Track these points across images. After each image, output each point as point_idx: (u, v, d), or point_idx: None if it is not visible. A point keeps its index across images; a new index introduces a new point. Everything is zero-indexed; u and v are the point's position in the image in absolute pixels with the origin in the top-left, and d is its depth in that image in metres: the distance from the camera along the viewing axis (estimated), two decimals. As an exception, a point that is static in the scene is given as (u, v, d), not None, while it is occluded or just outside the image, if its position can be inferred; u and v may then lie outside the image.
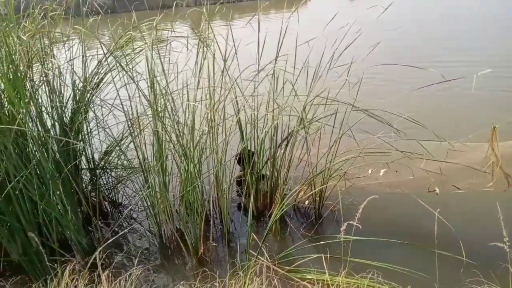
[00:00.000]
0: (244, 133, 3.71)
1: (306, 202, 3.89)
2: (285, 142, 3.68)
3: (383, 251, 3.05)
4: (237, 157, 3.82)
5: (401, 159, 3.19)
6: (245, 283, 2.58)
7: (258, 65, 3.59)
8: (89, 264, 2.97)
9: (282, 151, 3.67)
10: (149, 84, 3.34)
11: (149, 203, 3.60)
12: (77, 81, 3.78)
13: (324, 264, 2.72)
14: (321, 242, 3.04)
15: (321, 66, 3.58)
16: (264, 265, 2.74)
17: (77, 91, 3.78)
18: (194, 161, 3.36)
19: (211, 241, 3.52)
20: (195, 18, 3.99)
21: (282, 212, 3.61)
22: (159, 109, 3.36)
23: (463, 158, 3.16)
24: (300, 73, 3.60)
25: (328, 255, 2.72)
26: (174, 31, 3.71)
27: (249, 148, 3.76)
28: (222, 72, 3.43)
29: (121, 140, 3.97)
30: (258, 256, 3.12)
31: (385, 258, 2.77)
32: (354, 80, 3.54)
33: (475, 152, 3.17)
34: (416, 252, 2.90)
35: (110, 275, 2.84)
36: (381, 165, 3.52)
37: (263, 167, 3.85)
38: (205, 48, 3.47)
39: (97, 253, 2.83)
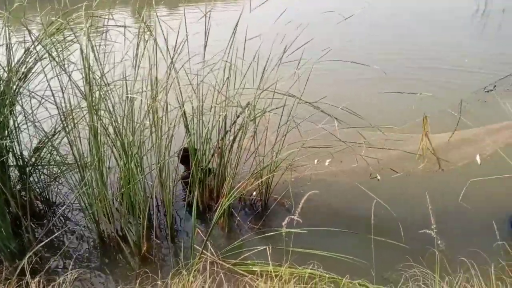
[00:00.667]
0: (189, 126, 3.59)
1: (254, 194, 3.90)
2: (232, 135, 3.62)
3: (325, 240, 3.13)
4: (179, 156, 3.68)
5: (345, 149, 3.28)
6: (188, 281, 2.51)
7: (204, 55, 3.49)
8: (18, 270, 2.73)
9: (229, 144, 3.61)
10: (83, 75, 3.11)
11: (86, 202, 3.39)
12: (1, 71, 3.43)
13: (269, 256, 2.74)
14: (267, 234, 3.05)
15: (272, 59, 3.56)
16: (208, 261, 2.68)
17: (1, 82, 3.43)
18: (135, 156, 3.20)
19: (154, 238, 3.38)
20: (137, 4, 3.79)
21: (229, 205, 3.59)
22: (95, 101, 3.14)
23: (399, 146, 3.32)
24: (250, 66, 3.57)
25: (270, 247, 2.74)
26: (113, 18, 3.50)
27: (192, 144, 3.65)
28: (171, 62, 3.28)
29: (54, 135, 3.67)
30: (204, 251, 3.07)
31: (327, 247, 2.84)
32: (306, 75, 3.58)
33: (410, 140, 3.35)
34: (356, 239, 3.00)
35: (41, 281, 2.63)
36: (326, 155, 3.60)
37: (209, 161, 3.78)
38: (146, 37, 3.31)
39: (26, 258, 2.61)
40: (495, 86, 3.13)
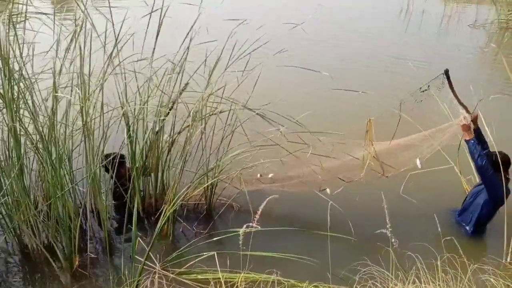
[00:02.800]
0: (129, 128, 3.28)
1: (199, 198, 3.70)
2: (171, 138, 3.39)
3: (280, 244, 3.04)
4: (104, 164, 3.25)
5: (291, 155, 3.22)
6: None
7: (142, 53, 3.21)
8: None
9: (170, 147, 3.39)
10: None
11: (4, 213, 2.95)
12: None
13: (217, 262, 2.59)
14: (215, 239, 2.88)
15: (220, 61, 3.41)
16: (152, 273, 2.45)
17: None
18: (63, 162, 2.85)
19: (88, 252, 3.04)
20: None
21: (173, 212, 3.36)
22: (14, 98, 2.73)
23: (346, 151, 3.34)
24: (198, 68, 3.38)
25: (217, 252, 2.59)
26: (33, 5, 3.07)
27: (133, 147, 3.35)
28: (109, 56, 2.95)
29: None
30: (147, 262, 2.82)
31: (282, 250, 2.77)
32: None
33: (356, 146, 3.39)
34: (311, 241, 2.97)
35: None
36: (269, 168, 3.51)
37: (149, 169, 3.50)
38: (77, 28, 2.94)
39: None
40: (429, 86, 3.26)
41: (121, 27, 3.07)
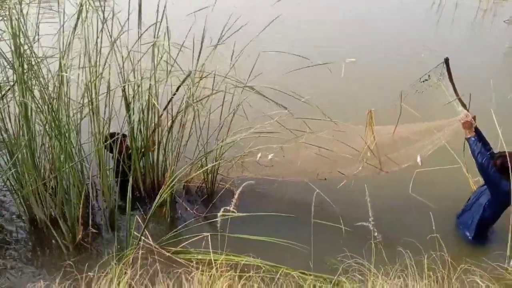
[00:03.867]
0: (131, 105, 3.35)
1: (200, 180, 3.76)
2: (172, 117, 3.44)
3: (267, 228, 3.06)
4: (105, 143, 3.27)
5: (291, 139, 3.21)
6: (116, 273, 2.34)
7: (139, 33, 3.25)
8: None
9: (169, 126, 3.43)
10: (12, 46, 2.80)
11: (15, 184, 3.10)
12: None
13: (210, 244, 2.64)
14: (208, 221, 2.93)
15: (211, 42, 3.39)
16: (141, 250, 2.53)
17: None
18: (70, 135, 2.96)
19: (90, 226, 3.16)
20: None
21: (172, 193, 3.44)
22: (26, 76, 2.85)
23: (347, 141, 3.28)
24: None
25: (207, 234, 2.63)
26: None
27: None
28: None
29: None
30: (145, 240, 2.92)
31: (269, 235, 2.80)
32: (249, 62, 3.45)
33: (357, 135, 3.32)
34: (297, 228, 2.96)
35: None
36: (270, 149, 3.50)
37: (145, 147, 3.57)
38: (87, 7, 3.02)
39: None
40: (429, 76, 3.14)
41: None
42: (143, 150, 3.49)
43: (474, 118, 3.16)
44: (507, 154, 3.00)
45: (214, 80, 3.25)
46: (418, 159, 3.13)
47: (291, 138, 3.24)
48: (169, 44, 3.21)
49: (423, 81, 3.11)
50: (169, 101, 3.37)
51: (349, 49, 7.74)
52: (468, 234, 3.34)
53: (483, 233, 3.32)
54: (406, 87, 3.19)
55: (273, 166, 3.44)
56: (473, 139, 3.12)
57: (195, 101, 3.22)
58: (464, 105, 3.16)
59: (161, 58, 3.22)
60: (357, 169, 3.07)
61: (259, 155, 3.32)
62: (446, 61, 3.07)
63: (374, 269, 2.27)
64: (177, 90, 3.32)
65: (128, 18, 3.16)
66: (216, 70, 3.16)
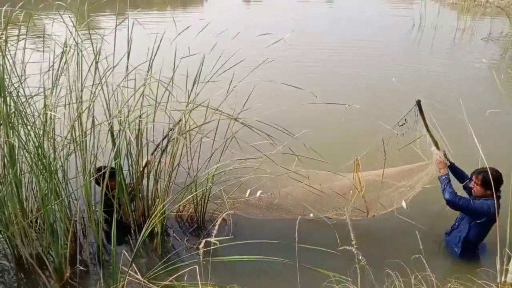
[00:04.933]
0: (116, 141, 3.37)
1: (190, 211, 3.76)
2: (162, 151, 3.47)
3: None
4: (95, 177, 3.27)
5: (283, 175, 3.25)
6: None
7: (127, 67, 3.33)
8: None
9: (159, 160, 3.46)
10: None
11: (0, 224, 3.07)
12: None
13: (198, 276, 2.61)
14: (196, 252, 2.90)
15: (201, 76, 3.48)
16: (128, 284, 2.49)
17: None
18: (56, 172, 2.97)
19: (78, 263, 3.12)
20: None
21: (163, 225, 3.43)
22: (11, 115, 2.88)
23: (336, 185, 3.45)
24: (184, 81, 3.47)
25: (192, 265, 2.61)
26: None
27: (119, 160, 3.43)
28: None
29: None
30: (134, 275, 2.88)
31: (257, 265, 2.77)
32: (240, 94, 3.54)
33: (345, 180, 3.46)
34: (283, 255, 2.96)
35: None
36: (260, 186, 3.54)
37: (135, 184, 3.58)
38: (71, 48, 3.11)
39: None
40: (406, 119, 3.40)
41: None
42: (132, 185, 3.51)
43: (444, 154, 3.36)
44: (488, 169, 3.06)
45: (206, 112, 3.31)
46: (403, 203, 3.30)
47: (282, 173, 3.29)
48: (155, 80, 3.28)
49: (401, 125, 3.32)
50: (157, 145, 3.45)
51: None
52: (456, 251, 3.36)
53: (470, 250, 3.34)
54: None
55: (262, 204, 3.50)
56: (443, 177, 3.28)
57: (185, 131, 3.25)
58: (436, 144, 3.38)
59: (143, 92, 3.27)
60: (344, 214, 3.11)
61: (247, 192, 3.38)
62: (418, 103, 3.29)
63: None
64: (166, 135, 3.42)
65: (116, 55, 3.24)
66: (210, 102, 3.23)
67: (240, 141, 3.46)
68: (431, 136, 3.37)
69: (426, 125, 3.36)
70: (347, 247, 2.15)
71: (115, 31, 3.15)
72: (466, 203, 3.14)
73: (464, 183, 3.40)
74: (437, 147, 3.37)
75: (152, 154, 3.49)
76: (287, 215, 3.54)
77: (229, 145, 3.55)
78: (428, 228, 3.40)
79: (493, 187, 3.03)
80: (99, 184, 3.27)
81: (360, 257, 2.20)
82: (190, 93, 3.37)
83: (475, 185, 3.22)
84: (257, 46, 3.93)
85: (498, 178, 3.10)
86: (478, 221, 3.18)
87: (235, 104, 3.51)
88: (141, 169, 3.46)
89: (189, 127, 3.32)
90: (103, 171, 3.17)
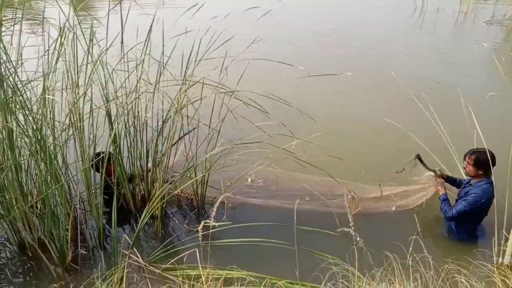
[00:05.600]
0: (113, 124, 3.36)
1: (190, 193, 3.79)
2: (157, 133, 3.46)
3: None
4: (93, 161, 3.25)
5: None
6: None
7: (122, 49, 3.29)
8: None
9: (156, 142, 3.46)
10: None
11: (2, 209, 3.09)
12: None
13: (198, 259, 2.65)
14: (196, 235, 2.93)
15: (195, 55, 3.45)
16: (126, 268, 2.53)
17: None
18: (55, 156, 2.97)
19: (79, 247, 3.15)
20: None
21: (162, 208, 3.45)
22: (9, 99, 2.87)
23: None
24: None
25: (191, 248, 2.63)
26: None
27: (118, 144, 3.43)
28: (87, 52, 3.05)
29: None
30: (135, 258, 2.92)
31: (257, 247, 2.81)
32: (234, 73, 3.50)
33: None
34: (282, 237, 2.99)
35: None
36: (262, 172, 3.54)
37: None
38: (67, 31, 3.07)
39: None
40: (403, 168, 3.60)
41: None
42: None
43: (438, 172, 3.57)
44: (481, 150, 3.22)
45: (202, 87, 3.29)
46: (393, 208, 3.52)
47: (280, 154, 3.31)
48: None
49: (399, 172, 3.60)
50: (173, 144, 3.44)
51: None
52: (454, 231, 3.41)
53: (467, 231, 3.38)
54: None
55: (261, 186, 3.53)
56: (442, 197, 3.42)
57: (182, 106, 3.24)
58: (436, 173, 3.58)
59: (140, 75, 3.25)
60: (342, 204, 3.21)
61: (249, 179, 3.41)
62: (418, 157, 3.57)
63: (358, 273, 2.28)
64: (183, 136, 3.45)
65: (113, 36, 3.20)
66: (205, 78, 3.21)
67: (239, 121, 3.46)
68: (432, 170, 3.60)
69: (428, 169, 3.60)
70: (345, 229, 2.16)
71: (108, 14, 3.11)
72: (463, 208, 3.23)
73: (462, 187, 3.50)
74: (430, 170, 3.59)
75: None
76: (285, 200, 3.56)
77: (226, 130, 3.56)
78: (426, 210, 3.42)
79: (491, 167, 3.10)
80: (98, 171, 3.28)
81: (358, 239, 2.22)
82: (185, 72, 3.33)
83: (467, 165, 3.31)
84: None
85: (492, 159, 3.13)
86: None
87: (230, 82, 3.49)
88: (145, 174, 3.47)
89: (186, 103, 3.32)
90: (101, 155, 3.19)
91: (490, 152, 3.17)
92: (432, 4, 13.36)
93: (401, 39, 10.24)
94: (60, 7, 3.02)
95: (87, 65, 3.04)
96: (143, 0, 3.43)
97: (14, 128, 2.87)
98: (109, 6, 3.14)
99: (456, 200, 3.45)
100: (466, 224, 3.34)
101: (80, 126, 3.11)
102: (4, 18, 2.91)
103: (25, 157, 3.18)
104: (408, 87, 5.20)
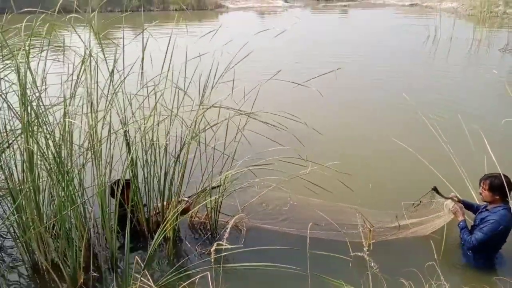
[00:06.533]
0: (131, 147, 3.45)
1: (203, 217, 3.79)
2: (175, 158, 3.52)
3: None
4: (110, 189, 3.38)
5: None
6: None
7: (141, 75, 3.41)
8: None
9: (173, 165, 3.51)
10: (19, 95, 2.97)
11: (17, 229, 3.16)
12: None
13: (210, 281, 2.62)
14: (208, 258, 2.91)
15: (210, 79, 3.55)
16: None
17: None
18: (72, 180, 3.04)
19: (91, 270, 3.17)
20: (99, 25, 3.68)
21: (175, 231, 3.46)
22: (32, 124, 2.99)
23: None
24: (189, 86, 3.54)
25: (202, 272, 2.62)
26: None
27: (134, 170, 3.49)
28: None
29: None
30: (146, 281, 2.91)
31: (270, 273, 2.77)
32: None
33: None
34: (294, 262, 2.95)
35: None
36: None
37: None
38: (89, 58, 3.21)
39: None
40: (420, 201, 3.62)
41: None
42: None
43: (455, 198, 3.53)
44: (495, 174, 3.18)
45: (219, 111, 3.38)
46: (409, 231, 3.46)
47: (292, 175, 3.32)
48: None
49: (415, 206, 3.62)
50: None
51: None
52: (474, 259, 3.31)
53: (486, 257, 3.28)
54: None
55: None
56: (461, 224, 3.37)
57: (199, 132, 3.32)
58: (453, 200, 3.55)
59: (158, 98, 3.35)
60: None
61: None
62: (435, 189, 3.59)
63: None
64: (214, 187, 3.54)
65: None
66: (220, 102, 3.30)
67: (253, 144, 3.50)
68: (442, 196, 3.59)
69: (446, 198, 3.57)
70: (359, 253, 2.12)
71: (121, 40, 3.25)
72: (483, 236, 3.17)
73: (478, 212, 3.43)
74: (448, 198, 3.55)
75: (189, 197, 3.55)
76: (298, 226, 3.53)
77: (240, 153, 3.59)
78: (442, 236, 3.33)
79: (507, 192, 3.05)
80: (113, 196, 3.34)
81: (373, 264, 2.17)
82: (202, 96, 3.42)
83: (483, 190, 3.27)
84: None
85: (508, 184, 3.07)
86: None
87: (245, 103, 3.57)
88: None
89: (204, 128, 3.40)
90: (119, 181, 3.25)
91: (505, 176, 3.10)
92: (445, 32, 13.46)
93: (416, 65, 10.29)
94: (79, 35, 3.18)
95: (108, 90, 3.16)
96: (163, 29, 3.58)
97: (35, 151, 2.97)
98: (132, 36, 3.30)
99: (473, 226, 3.37)
100: (484, 251, 3.23)
101: (98, 150, 3.19)
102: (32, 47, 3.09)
103: (43, 179, 3.26)
104: (421, 112, 5.19)
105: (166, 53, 3.37)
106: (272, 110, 3.45)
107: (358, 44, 12.97)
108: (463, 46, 12.55)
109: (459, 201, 3.54)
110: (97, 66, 3.21)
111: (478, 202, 3.62)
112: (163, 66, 3.36)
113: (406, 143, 4.37)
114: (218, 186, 3.52)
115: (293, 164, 3.49)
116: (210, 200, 3.48)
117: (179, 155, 3.47)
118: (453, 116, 6.32)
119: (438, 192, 3.57)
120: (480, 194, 3.33)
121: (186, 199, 3.58)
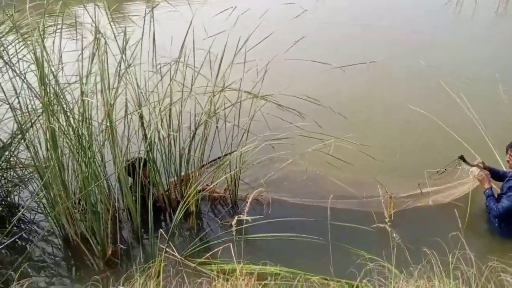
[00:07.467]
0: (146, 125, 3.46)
1: (223, 191, 3.84)
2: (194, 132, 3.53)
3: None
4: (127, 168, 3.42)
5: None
6: (140, 285, 2.42)
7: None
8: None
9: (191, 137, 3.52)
10: (38, 76, 2.99)
11: (47, 205, 3.28)
12: None
13: (233, 254, 2.67)
14: (230, 230, 2.96)
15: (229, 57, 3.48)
16: (162, 262, 2.60)
17: None
18: (95, 156, 3.10)
19: (118, 242, 3.28)
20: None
21: (197, 204, 3.52)
22: (51, 102, 3.03)
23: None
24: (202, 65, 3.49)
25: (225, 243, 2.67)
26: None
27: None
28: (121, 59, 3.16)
29: (11, 141, 3.53)
30: (172, 252, 3.00)
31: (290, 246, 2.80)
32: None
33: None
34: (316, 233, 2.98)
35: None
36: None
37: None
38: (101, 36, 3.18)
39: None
40: (445, 169, 3.51)
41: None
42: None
43: (481, 165, 3.43)
44: None
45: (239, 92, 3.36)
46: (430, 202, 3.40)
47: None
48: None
49: (440, 174, 3.54)
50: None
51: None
52: (499, 229, 3.25)
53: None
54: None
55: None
56: (488, 192, 3.28)
57: (215, 112, 3.30)
58: (476, 165, 3.45)
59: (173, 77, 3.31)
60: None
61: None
62: (462, 157, 3.49)
63: (395, 270, 2.22)
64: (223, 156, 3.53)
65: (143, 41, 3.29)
66: (237, 82, 3.25)
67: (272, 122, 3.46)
68: (468, 164, 3.50)
69: (472, 165, 3.48)
70: (381, 225, 2.11)
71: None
72: (510, 205, 3.11)
73: (506, 180, 3.34)
74: (474, 165, 3.45)
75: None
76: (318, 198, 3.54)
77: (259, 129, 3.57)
78: (466, 204, 3.26)
79: None
80: (132, 176, 3.40)
81: (395, 235, 2.16)
82: (217, 76, 3.37)
83: (510, 157, 3.22)
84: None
85: None
86: None
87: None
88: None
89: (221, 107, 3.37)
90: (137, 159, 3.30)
91: None
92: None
93: (437, 27, 9.75)
94: (87, 11, 3.14)
95: (120, 67, 3.15)
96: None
97: (57, 129, 3.02)
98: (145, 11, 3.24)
99: (499, 194, 3.28)
100: (511, 220, 3.16)
101: (114, 128, 3.22)
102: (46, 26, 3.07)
103: (67, 156, 3.34)
104: (443, 77, 4.99)
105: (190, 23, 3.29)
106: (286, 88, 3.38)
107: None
108: (490, 4, 11.79)
109: (485, 168, 3.43)
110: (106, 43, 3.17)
111: (505, 169, 3.51)
112: (183, 43, 3.28)
113: (425, 109, 4.22)
114: (230, 153, 3.53)
115: (313, 138, 3.44)
116: (230, 174, 3.49)
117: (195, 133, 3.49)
118: (476, 80, 6.06)
119: (464, 160, 3.47)
120: (508, 161, 3.23)
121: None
